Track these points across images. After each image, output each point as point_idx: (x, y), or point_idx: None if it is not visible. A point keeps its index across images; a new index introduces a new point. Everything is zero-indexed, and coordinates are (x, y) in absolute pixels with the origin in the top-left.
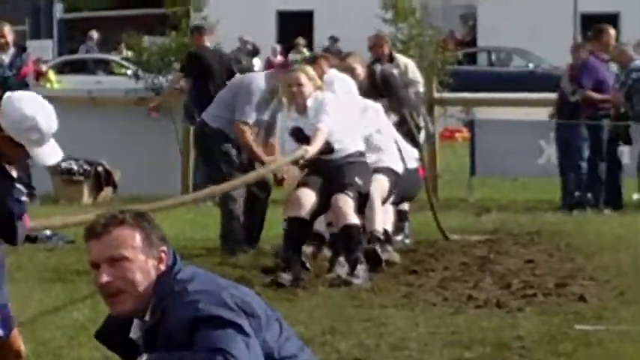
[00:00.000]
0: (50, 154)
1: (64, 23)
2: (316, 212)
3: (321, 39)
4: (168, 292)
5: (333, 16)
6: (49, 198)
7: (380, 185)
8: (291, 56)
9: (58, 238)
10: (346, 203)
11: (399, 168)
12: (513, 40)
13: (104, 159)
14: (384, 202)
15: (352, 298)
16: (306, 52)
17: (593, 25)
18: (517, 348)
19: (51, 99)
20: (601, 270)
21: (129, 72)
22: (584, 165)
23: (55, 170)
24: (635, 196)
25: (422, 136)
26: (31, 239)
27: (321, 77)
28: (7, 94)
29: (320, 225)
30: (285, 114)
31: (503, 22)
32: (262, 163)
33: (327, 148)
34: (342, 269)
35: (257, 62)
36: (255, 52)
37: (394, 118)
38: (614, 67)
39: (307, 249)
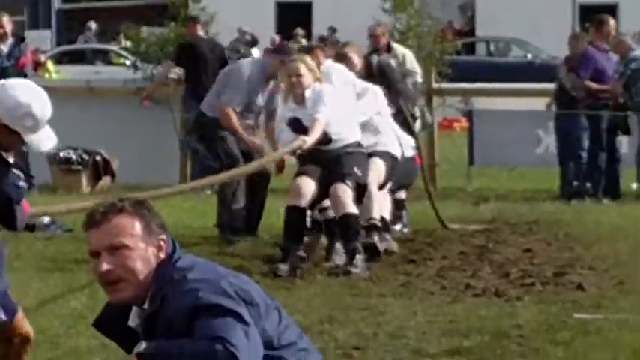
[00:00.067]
0: (45, 140)
1: (63, 13)
2: (314, 202)
3: (320, 30)
4: (167, 279)
5: (331, 6)
6: (47, 187)
7: (377, 170)
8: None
9: (56, 226)
10: (345, 193)
11: (397, 152)
12: (512, 30)
13: (102, 148)
14: (380, 187)
15: (350, 287)
16: (304, 42)
17: (592, 15)
18: (515, 336)
19: (49, 89)
20: (599, 259)
21: (127, 62)
22: (584, 155)
23: (54, 160)
24: (634, 186)
25: (417, 126)
26: (30, 227)
27: (317, 68)
28: (2, 81)
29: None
30: (283, 104)
31: (502, 13)
32: (249, 144)
33: (325, 138)
34: (339, 258)
35: (255, 53)
36: (253, 42)
37: (391, 108)
38: (614, 57)
39: (306, 238)
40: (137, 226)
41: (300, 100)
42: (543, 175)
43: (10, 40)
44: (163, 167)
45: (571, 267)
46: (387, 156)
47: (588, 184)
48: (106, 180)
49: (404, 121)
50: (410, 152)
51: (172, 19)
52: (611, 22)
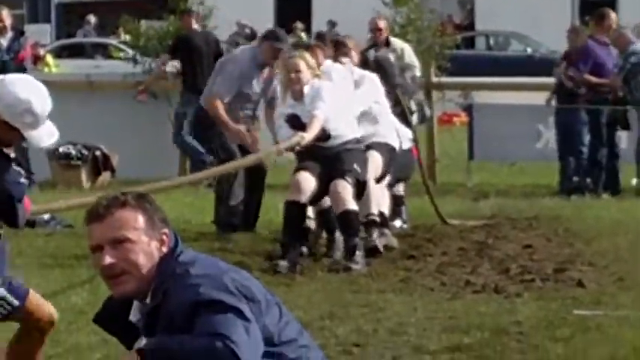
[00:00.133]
0: (46, 135)
1: (62, 7)
2: (314, 198)
3: (319, 23)
4: (170, 274)
5: None
6: (47, 183)
7: (374, 164)
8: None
9: (56, 222)
10: (345, 189)
11: (395, 142)
12: (511, 24)
13: (102, 143)
14: (378, 180)
15: (350, 283)
16: (304, 36)
17: (592, 9)
18: (515, 333)
19: (49, 83)
20: (599, 255)
21: (123, 55)
22: (585, 150)
23: (53, 155)
24: (634, 181)
25: (414, 120)
26: (30, 223)
27: (317, 66)
28: (1, 77)
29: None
30: (282, 101)
31: (502, 6)
32: (234, 134)
33: (324, 134)
34: (338, 252)
35: None
36: (253, 36)
37: (388, 101)
38: (615, 51)
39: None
40: (140, 220)
41: (299, 96)
42: (543, 170)
43: (10, 34)
44: (163, 162)
45: (571, 263)
46: (384, 147)
47: (588, 180)
48: (105, 175)
49: (401, 113)
50: (407, 144)
51: (171, 12)
52: (613, 15)
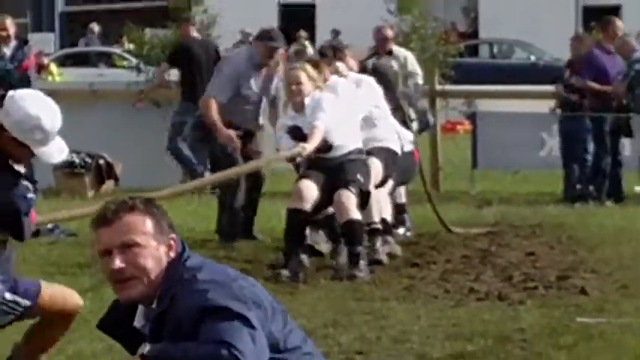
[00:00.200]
0: (56, 152)
1: (66, 16)
2: (318, 208)
3: (323, 32)
4: (177, 279)
5: (335, 8)
6: (50, 191)
7: (373, 170)
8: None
9: (59, 230)
10: (349, 199)
11: (397, 146)
12: (515, 32)
13: (106, 152)
14: (378, 186)
15: (354, 291)
16: (308, 44)
17: (595, 17)
18: (518, 340)
19: (52, 92)
20: (603, 263)
21: (128, 63)
22: (589, 157)
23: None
24: (637, 189)
25: (414, 127)
26: (34, 232)
27: (324, 82)
28: (11, 92)
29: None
30: (283, 112)
31: (505, 14)
32: (225, 139)
33: (325, 145)
34: (343, 258)
35: None
36: None
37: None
38: (619, 59)
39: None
40: (149, 224)
41: (300, 107)
42: (547, 177)
43: (13, 43)
44: (166, 171)
45: (574, 270)
46: (384, 152)
47: (591, 187)
48: (109, 184)
49: (402, 120)
50: (409, 147)
51: (175, 20)
52: (618, 23)
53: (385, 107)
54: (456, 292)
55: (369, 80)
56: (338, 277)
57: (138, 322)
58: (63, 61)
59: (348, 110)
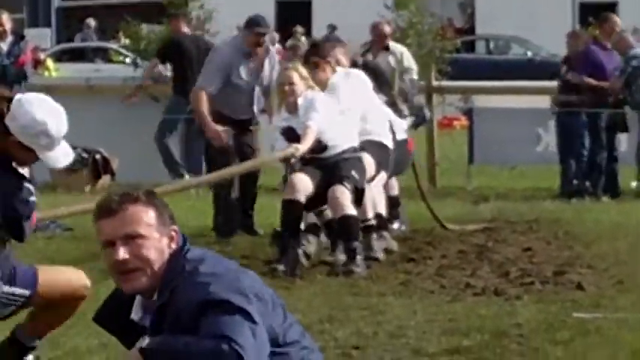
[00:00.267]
0: (61, 156)
1: (62, 11)
2: (314, 205)
3: (319, 27)
4: (179, 271)
5: (331, 3)
6: (47, 186)
7: (366, 166)
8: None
9: (55, 225)
10: (343, 194)
11: (389, 140)
12: (512, 28)
13: (102, 147)
14: (370, 180)
15: (350, 287)
16: (304, 40)
17: (592, 13)
18: (515, 336)
19: (49, 87)
20: (599, 258)
21: (127, 60)
22: (585, 153)
23: None
24: (634, 184)
25: (408, 122)
26: None
27: (326, 82)
28: (17, 96)
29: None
30: (277, 113)
31: (502, 10)
32: (212, 134)
33: (319, 146)
34: (341, 254)
35: None
36: None
37: (383, 97)
38: (616, 55)
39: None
40: (152, 216)
41: (293, 108)
42: (543, 173)
43: (10, 38)
44: (163, 166)
45: (571, 266)
46: (375, 146)
47: (587, 183)
48: (105, 179)
49: (395, 110)
50: (402, 135)
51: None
52: (616, 19)
53: (375, 98)
54: (452, 288)
55: (358, 73)
56: (334, 272)
57: (135, 314)
58: (59, 57)
59: (344, 108)
